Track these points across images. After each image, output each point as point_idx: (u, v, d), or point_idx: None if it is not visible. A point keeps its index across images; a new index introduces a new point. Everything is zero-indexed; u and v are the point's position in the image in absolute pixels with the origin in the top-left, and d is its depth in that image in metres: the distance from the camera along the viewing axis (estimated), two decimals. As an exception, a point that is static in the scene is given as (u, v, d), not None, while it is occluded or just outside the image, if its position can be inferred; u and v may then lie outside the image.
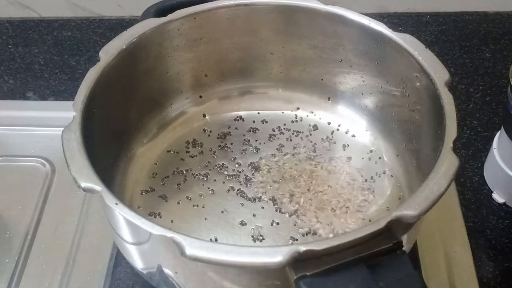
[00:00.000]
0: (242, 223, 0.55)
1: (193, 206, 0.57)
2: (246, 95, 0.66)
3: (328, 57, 0.62)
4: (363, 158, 0.60)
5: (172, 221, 0.55)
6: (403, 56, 0.54)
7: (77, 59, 0.82)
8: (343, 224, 0.54)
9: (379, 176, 0.59)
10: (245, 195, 0.57)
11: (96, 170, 0.44)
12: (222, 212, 0.56)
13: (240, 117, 0.65)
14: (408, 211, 0.41)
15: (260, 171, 0.59)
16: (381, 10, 0.86)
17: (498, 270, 0.57)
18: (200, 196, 0.58)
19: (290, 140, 0.63)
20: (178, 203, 0.57)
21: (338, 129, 0.63)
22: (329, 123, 0.64)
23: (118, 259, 0.57)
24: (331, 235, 0.53)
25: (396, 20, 0.85)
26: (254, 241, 0.54)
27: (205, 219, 0.56)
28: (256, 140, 0.63)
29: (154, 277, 0.49)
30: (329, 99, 0.65)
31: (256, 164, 0.60)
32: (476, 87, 0.75)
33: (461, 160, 0.66)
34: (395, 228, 0.40)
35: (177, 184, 0.59)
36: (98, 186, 0.43)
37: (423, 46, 0.53)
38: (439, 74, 0.51)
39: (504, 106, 0.56)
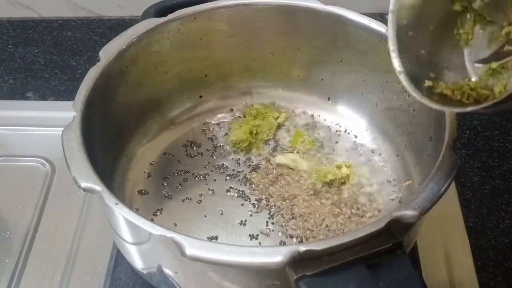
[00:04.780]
0: (242, 223, 0.55)
1: (193, 206, 0.57)
2: (246, 95, 0.66)
3: (328, 57, 0.62)
4: (363, 158, 0.60)
5: (172, 221, 0.55)
6: (403, 56, 0.54)
7: (77, 59, 0.82)
8: (343, 224, 0.54)
9: (379, 176, 0.59)
10: (244, 195, 0.57)
11: (96, 170, 0.44)
12: (222, 212, 0.56)
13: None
14: (408, 211, 0.41)
15: (260, 171, 0.59)
16: (381, 10, 0.86)
17: (498, 270, 0.57)
18: (200, 196, 0.58)
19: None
20: (178, 203, 0.57)
21: (338, 129, 0.63)
22: (329, 123, 0.64)
23: (118, 259, 0.57)
24: (330, 235, 0.53)
25: (396, 20, 0.85)
26: (254, 241, 0.54)
27: (205, 218, 0.56)
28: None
29: (154, 277, 0.49)
30: (329, 99, 0.65)
31: (256, 164, 0.60)
32: (476, 87, 0.75)
33: (461, 160, 0.66)
34: (395, 228, 0.40)
35: (177, 184, 0.59)
36: (98, 186, 0.43)
37: (423, 46, 0.53)
38: (439, 74, 0.51)
39: None
